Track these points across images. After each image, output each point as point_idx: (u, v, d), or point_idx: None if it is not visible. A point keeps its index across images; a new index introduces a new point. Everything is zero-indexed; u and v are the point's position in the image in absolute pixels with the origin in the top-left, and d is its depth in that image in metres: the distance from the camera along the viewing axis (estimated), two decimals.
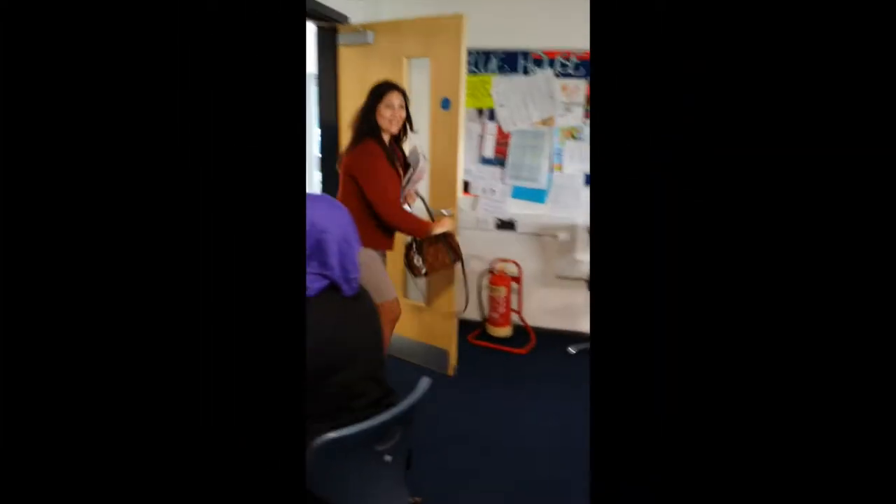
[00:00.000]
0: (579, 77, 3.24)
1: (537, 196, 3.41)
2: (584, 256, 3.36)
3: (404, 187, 2.48)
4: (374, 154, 2.32)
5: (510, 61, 3.33)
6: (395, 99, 2.33)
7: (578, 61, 3.23)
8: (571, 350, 3.28)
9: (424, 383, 1.41)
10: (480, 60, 3.36)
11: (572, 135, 3.32)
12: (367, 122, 2.33)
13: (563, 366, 3.14)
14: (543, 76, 3.29)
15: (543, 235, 3.44)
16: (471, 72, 3.35)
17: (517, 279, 3.46)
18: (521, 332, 3.49)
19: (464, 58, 2.63)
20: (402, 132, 2.45)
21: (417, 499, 1.87)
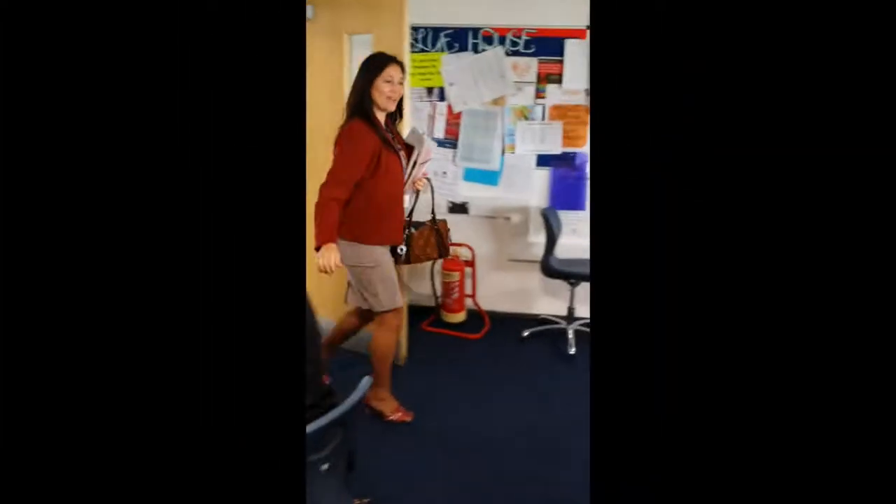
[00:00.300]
0: (530, 55, 3.26)
1: (490, 178, 3.43)
2: (537, 239, 3.41)
3: (409, 172, 2.30)
4: (357, 135, 2.10)
5: (460, 38, 3.30)
6: (395, 73, 2.13)
7: (529, 38, 3.24)
8: (525, 333, 3.34)
9: (365, 383, 1.37)
10: (429, 37, 3.32)
11: (524, 115, 3.34)
12: (361, 98, 2.12)
13: (516, 350, 3.20)
14: (494, 54, 3.29)
15: (496, 218, 3.48)
16: (420, 49, 3.31)
17: (470, 263, 3.48)
18: (476, 316, 3.53)
19: (406, 33, 2.58)
20: (399, 112, 2.28)
21: (365, 500, 1.84)
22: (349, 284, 2.37)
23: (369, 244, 2.19)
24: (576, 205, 3.38)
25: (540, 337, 3.32)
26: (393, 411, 2.45)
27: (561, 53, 3.23)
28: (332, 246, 2.10)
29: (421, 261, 2.52)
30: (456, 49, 3.31)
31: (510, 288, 3.59)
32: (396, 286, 2.29)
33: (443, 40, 3.32)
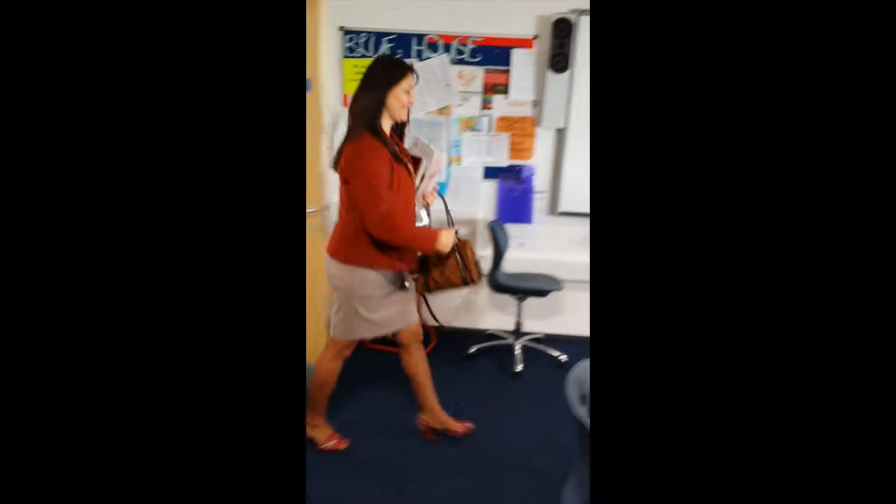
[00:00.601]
0: (476, 64, 3.29)
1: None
2: (484, 252, 3.43)
3: (418, 186, 2.18)
4: (372, 152, 1.95)
5: (403, 45, 3.29)
6: (412, 81, 2.03)
7: (475, 47, 3.27)
8: (472, 350, 3.33)
9: None
10: (371, 42, 3.29)
11: (470, 125, 3.36)
12: (374, 108, 1.98)
13: (462, 368, 3.20)
14: (439, 62, 3.30)
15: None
16: (361, 55, 3.28)
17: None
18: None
19: (323, 33, 2.53)
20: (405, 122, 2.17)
21: None
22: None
23: (377, 269, 2.07)
24: (523, 218, 3.43)
25: (487, 353, 3.33)
26: (327, 439, 2.36)
27: (507, 63, 3.27)
28: (439, 234, 2.07)
29: (442, 289, 2.25)
30: (399, 56, 3.30)
31: (457, 302, 3.58)
32: (376, 323, 2.16)
33: (385, 46, 3.30)
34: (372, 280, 2.09)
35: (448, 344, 3.42)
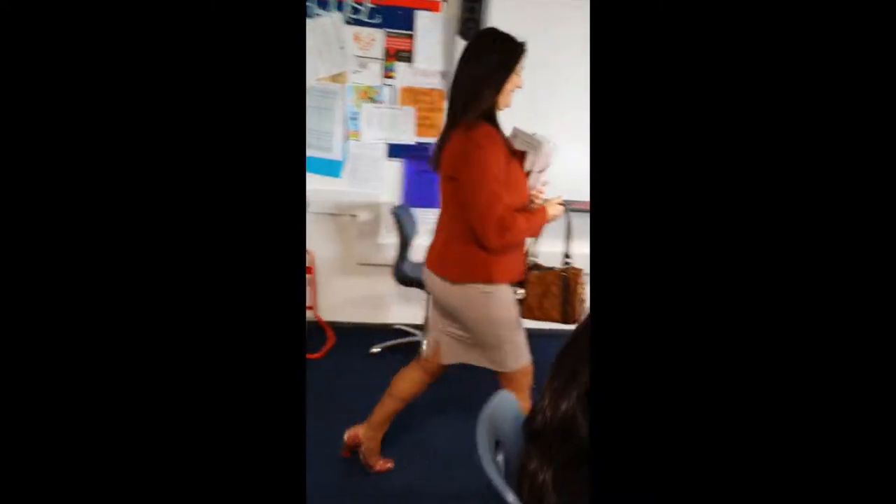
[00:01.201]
0: (375, 26, 2.98)
1: (330, 168, 3.15)
2: (388, 239, 3.20)
3: (529, 183, 1.89)
4: (492, 143, 1.70)
5: None
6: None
7: (373, 6, 2.96)
8: (375, 349, 3.08)
9: None
10: None
11: (369, 96, 3.06)
12: (489, 95, 1.71)
13: (365, 368, 2.97)
14: (331, 21, 2.96)
15: (340, 215, 3.19)
16: None
17: (308, 269, 3.16)
18: (317, 331, 3.22)
19: None
20: None
21: None
22: (431, 338, 1.96)
23: (493, 283, 1.79)
24: (433, 202, 3.19)
25: (392, 351, 3.11)
26: None
27: (411, 27, 3.00)
28: (546, 209, 1.84)
29: (536, 318, 1.97)
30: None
31: (358, 295, 3.34)
32: (522, 338, 1.88)
33: None
34: (499, 294, 1.82)
35: (348, 342, 3.17)
